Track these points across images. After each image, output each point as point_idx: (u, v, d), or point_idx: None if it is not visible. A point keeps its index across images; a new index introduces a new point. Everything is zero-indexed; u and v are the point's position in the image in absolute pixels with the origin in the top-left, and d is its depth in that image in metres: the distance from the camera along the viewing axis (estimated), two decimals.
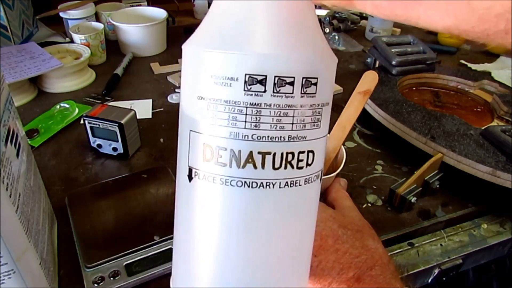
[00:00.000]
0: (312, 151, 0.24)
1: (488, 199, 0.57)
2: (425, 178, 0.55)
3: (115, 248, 0.45)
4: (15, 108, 0.39)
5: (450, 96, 0.80)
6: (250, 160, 0.22)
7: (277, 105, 0.22)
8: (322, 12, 1.20)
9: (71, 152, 0.64)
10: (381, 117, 0.66)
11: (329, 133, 0.51)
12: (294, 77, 0.21)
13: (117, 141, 0.60)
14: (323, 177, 0.47)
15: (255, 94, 0.21)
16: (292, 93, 0.22)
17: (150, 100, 0.78)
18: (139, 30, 0.93)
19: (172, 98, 0.79)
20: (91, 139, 0.61)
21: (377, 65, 0.86)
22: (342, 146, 0.50)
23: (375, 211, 0.54)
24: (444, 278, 0.52)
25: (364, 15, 1.23)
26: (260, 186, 0.23)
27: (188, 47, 0.23)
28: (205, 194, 0.23)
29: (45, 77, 0.80)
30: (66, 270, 0.45)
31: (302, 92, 0.22)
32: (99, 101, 0.77)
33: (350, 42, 1.07)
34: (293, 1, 0.22)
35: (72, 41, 0.91)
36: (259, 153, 0.22)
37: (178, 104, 0.82)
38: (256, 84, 0.21)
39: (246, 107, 0.21)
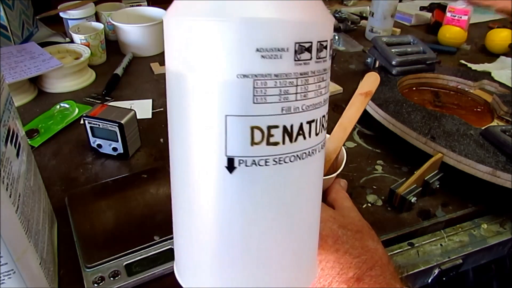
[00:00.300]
0: (325, 115, 0.24)
1: (488, 199, 0.57)
2: (425, 178, 0.55)
3: (115, 248, 0.45)
4: (15, 108, 0.39)
5: (450, 96, 0.80)
6: (300, 132, 0.22)
7: (318, 71, 0.22)
8: None
9: (71, 152, 0.64)
10: (381, 117, 0.66)
11: (329, 133, 0.51)
12: (327, 40, 0.22)
13: (117, 141, 0.60)
14: (323, 177, 0.47)
15: (303, 63, 0.21)
16: (326, 56, 0.22)
17: (150, 100, 0.78)
18: (139, 30, 0.93)
19: None
20: (91, 139, 0.61)
21: (377, 65, 0.86)
22: (342, 147, 0.50)
23: (375, 211, 0.54)
24: (444, 278, 0.52)
25: (364, 15, 1.23)
26: (308, 155, 0.23)
27: (208, 21, 0.20)
28: (257, 180, 0.22)
29: (45, 77, 0.80)
30: (66, 270, 0.45)
31: (330, 54, 0.23)
32: (99, 101, 0.77)
33: (350, 42, 1.07)
34: None
35: (72, 41, 0.91)
36: (307, 122, 0.22)
37: None
38: (304, 52, 0.20)
39: (297, 78, 0.21)
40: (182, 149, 0.23)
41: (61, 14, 0.96)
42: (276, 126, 0.21)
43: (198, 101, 0.21)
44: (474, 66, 0.95)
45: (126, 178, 0.57)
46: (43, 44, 0.86)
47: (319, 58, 0.21)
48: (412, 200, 0.53)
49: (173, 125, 0.24)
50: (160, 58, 0.96)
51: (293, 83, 0.21)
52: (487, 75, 0.84)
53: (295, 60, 0.20)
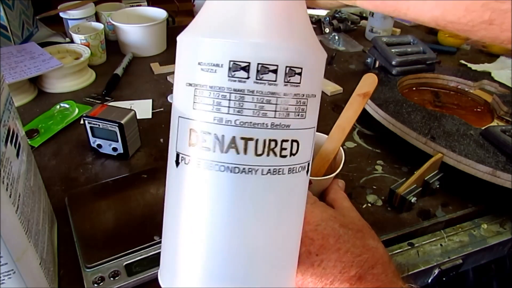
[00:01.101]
0: (296, 141, 0.24)
1: (488, 199, 0.57)
2: (425, 178, 0.55)
3: (115, 248, 0.45)
4: (15, 108, 0.39)
5: (450, 96, 0.80)
6: (233, 145, 0.23)
7: (260, 92, 0.22)
8: (322, 12, 1.21)
9: (71, 152, 0.64)
10: (381, 117, 0.66)
11: (328, 134, 0.51)
12: (277, 65, 0.22)
13: (117, 141, 0.60)
14: (321, 178, 0.48)
15: (238, 80, 0.22)
16: (275, 80, 0.22)
17: (150, 100, 0.78)
18: (139, 30, 0.93)
19: (172, 98, 0.79)
20: (91, 139, 0.61)
21: (377, 65, 0.86)
22: (341, 148, 0.50)
23: (375, 211, 0.54)
24: (444, 278, 0.52)
25: (364, 15, 1.23)
26: (242, 171, 0.23)
27: (181, 37, 0.25)
28: (191, 179, 0.24)
29: (45, 77, 0.80)
30: (66, 270, 0.45)
31: (286, 80, 0.23)
32: (99, 101, 0.77)
33: (350, 42, 1.07)
34: None
35: (72, 41, 0.91)
36: (241, 138, 0.23)
37: None
38: (239, 70, 0.22)
39: (230, 93, 0.22)
40: (170, 141, 0.26)
41: (61, 14, 0.96)
42: (208, 133, 0.23)
43: (173, 103, 0.26)
44: (474, 66, 0.95)
45: (126, 178, 0.57)
46: (43, 44, 0.86)
47: (261, 79, 0.22)
48: (412, 200, 0.53)
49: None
50: (160, 58, 0.96)
51: (226, 97, 0.22)
52: (487, 75, 0.84)
53: (229, 76, 0.22)
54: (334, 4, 0.22)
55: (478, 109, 0.76)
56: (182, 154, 0.24)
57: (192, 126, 0.23)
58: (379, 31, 1.08)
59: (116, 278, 0.43)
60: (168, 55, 0.98)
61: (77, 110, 0.72)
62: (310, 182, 0.47)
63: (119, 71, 0.86)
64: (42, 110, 0.73)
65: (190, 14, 1.22)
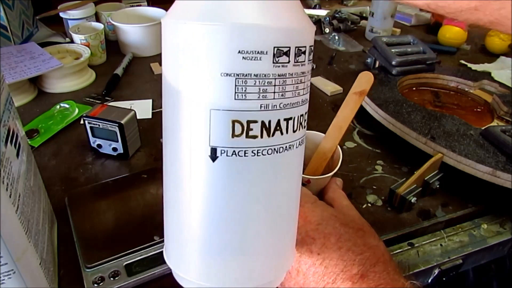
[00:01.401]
0: (307, 113, 0.26)
1: (488, 199, 0.57)
2: (425, 178, 0.55)
3: (115, 248, 0.45)
4: (15, 108, 0.39)
5: (450, 96, 0.80)
6: (278, 128, 0.24)
7: (296, 73, 0.24)
8: (322, 12, 1.21)
9: (71, 152, 0.64)
10: (381, 117, 0.66)
11: (325, 133, 0.51)
12: (305, 46, 0.24)
13: (117, 141, 0.60)
14: (319, 176, 0.48)
15: (281, 65, 0.23)
16: (304, 61, 0.24)
17: (150, 100, 0.78)
18: (139, 30, 0.93)
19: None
20: (91, 139, 0.61)
21: (377, 65, 0.86)
22: (338, 146, 0.50)
23: (375, 211, 0.54)
24: (444, 278, 0.52)
25: (364, 15, 1.23)
26: (285, 149, 0.25)
27: (197, 24, 0.22)
28: (237, 169, 0.24)
29: (45, 77, 0.80)
30: (66, 270, 0.45)
31: (308, 59, 0.24)
32: (99, 101, 0.77)
33: (350, 42, 1.07)
34: None
35: (72, 41, 0.91)
36: (284, 119, 0.24)
37: None
38: (282, 56, 0.23)
39: (275, 79, 0.23)
40: (173, 141, 0.25)
41: (61, 14, 0.96)
42: (255, 121, 0.23)
43: (187, 96, 0.23)
44: (474, 66, 0.95)
45: (126, 178, 0.57)
46: (43, 44, 0.86)
47: (297, 62, 0.24)
48: (412, 200, 0.53)
49: (166, 119, 0.26)
50: (160, 58, 0.96)
51: (271, 83, 0.23)
52: (487, 75, 0.84)
53: (274, 63, 0.22)
54: None
55: (478, 109, 0.76)
56: (222, 147, 0.23)
57: (236, 117, 0.23)
58: (379, 31, 1.08)
59: (116, 278, 0.43)
60: None
61: (77, 110, 0.72)
62: (308, 180, 0.47)
63: (119, 71, 0.86)
64: (42, 110, 0.73)
65: None
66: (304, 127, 0.26)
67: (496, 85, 0.79)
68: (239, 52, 0.22)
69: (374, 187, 0.58)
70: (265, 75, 0.22)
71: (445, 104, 0.77)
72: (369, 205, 0.55)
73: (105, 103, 0.65)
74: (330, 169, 0.49)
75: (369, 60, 0.90)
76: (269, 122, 0.23)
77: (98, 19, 1.02)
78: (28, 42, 0.89)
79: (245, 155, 0.24)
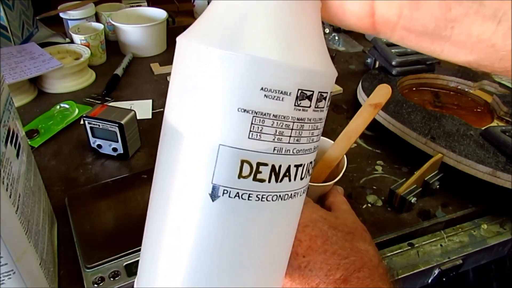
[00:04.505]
0: (315, 160, 0.25)
1: (488, 200, 0.57)
2: (425, 179, 0.55)
3: (115, 249, 0.45)
4: (15, 109, 0.39)
5: (450, 96, 0.80)
6: (287, 174, 0.22)
7: (314, 119, 0.22)
8: None
9: (71, 153, 0.64)
10: (381, 118, 0.66)
11: (327, 136, 0.50)
12: (327, 92, 0.23)
13: (117, 142, 0.60)
14: (321, 184, 0.47)
15: (302, 109, 0.21)
16: (323, 107, 0.23)
17: (150, 101, 0.78)
18: (139, 30, 0.93)
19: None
20: (91, 139, 0.61)
21: (377, 65, 0.86)
22: (344, 156, 0.50)
23: (375, 212, 0.54)
24: (444, 279, 0.52)
25: None
26: (290, 197, 0.23)
27: (224, 52, 0.20)
28: (236, 212, 0.22)
29: (45, 77, 0.80)
30: (66, 271, 0.45)
31: (327, 105, 0.23)
32: (99, 102, 0.77)
33: (350, 43, 1.07)
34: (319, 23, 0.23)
35: (72, 42, 0.91)
36: (295, 166, 0.22)
37: None
38: (305, 99, 0.21)
39: (293, 122, 0.21)
40: (171, 166, 0.23)
41: (61, 15, 0.96)
42: (266, 164, 0.21)
43: (196, 126, 0.21)
44: None
45: (126, 179, 0.57)
46: (43, 45, 0.86)
47: (317, 107, 0.22)
48: (412, 201, 0.53)
49: (165, 143, 0.24)
50: (160, 58, 0.96)
51: (289, 126, 0.21)
52: (487, 75, 0.84)
53: (295, 105, 0.21)
54: (360, 29, 0.23)
55: (478, 110, 0.76)
56: (226, 187, 0.21)
57: (246, 157, 0.21)
58: None
59: (116, 278, 0.43)
60: (168, 56, 0.98)
61: (77, 111, 0.72)
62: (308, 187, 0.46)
63: (119, 71, 0.86)
64: (42, 110, 0.73)
65: (190, 14, 1.22)
66: (310, 175, 0.25)
67: (496, 85, 0.79)
68: (261, 89, 0.20)
69: (374, 187, 0.58)
70: (284, 117, 0.21)
71: (445, 104, 0.77)
72: (369, 205, 0.55)
73: (105, 104, 0.65)
74: (333, 176, 0.49)
75: (369, 60, 0.91)
76: (280, 166, 0.22)
77: (98, 20, 1.02)
78: (28, 43, 0.89)
79: (248, 199, 0.22)
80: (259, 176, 0.21)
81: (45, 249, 0.40)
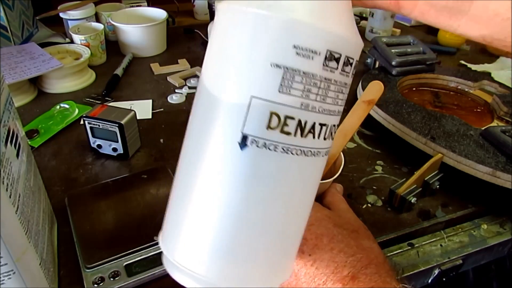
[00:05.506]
0: (338, 125, 0.27)
1: (488, 200, 0.57)
2: (425, 179, 0.55)
3: (115, 249, 0.45)
4: (15, 109, 0.39)
5: (450, 96, 0.80)
6: (312, 131, 0.24)
7: (341, 82, 0.24)
8: None
9: (71, 153, 0.64)
10: (381, 118, 0.66)
11: None
12: (353, 59, 0.24)
13: (117, 142, 0.60)
14: (320, 181, 0.48)
15: (330, 70, 0.23)
16: (349, 72, 0.24)
17: (150, 101, 0.78)
18: (139, 30, 0.93)
19: (172, 99, 0.79)
20: (91, 139, 0.61)
21: (377, 65, 0.86)
22: (341, 153, 0.50)
23: (375, 212, 0.54)
24: (444, 279, 0.52)
25: (364, 15, 1.23)
26: (312, 154, 0.25)
27: (263, 11, 0.22)
28: (263, 163, 0.23)
29: (45, 77, 0.80)
30: (66, 271, 0.45)
31: (353, 72, 0.25)
32: (99, 102, 0.77)
33: None
34: None
35: (72, 42, 0.91)
36: (320, 124, 0.24)
37: (178, 105, 0.82)
38: (333, 60, 0.23)
39: (321, 81, 0.23)
40: (203, 121, 0.25)
41: (61, 15, 0.96)
42: (292, 118, 0.23)
43: (231, 78, 0.23)
44: (474, 67, 0.95)
45: (126, 179, 0.57)
46: (43, 45, 0.86)
47: (344, 71, 0.24)
48: (412, 201, 0.53)
49: (201, 96, 0.25)
50: (160, 58, 0.96)
51: (317, 85, 0.23)
52: (487, 75, 0.84)
53: (324, 65, 0.23)
54: (382, 6, 0.24)
55: (478, 110, 0.76)
56: (254, 136, 0.23)
57: (275, 109, 0.22)
58: (379, 31, 1.08)
59: (116, 278, 0.43)
60: (168, 56, 0.98)
61: (77, 111, 0.72)
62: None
63: (119, 71, 0.86)
64: (42, 110, 0.73)
65: (190, 14, 1.23)
66: (332, 138, 0.26)
67: (496, 85, 0.79)
68: (294, 46, 0.22)
69: (374, 187, 0.58)
70: (312, 75, 0.22)
71: (445, 104, 0.77)
72: (369, 205, 0.55)
73: (105, 104, 0.65)
74: (332, 175, 0.49)
75: (369, 60, 0.91)
76: (305, 122, 0.23)
77: (98, 20, 1.02)
78: (28, 43, 0.89)
79: (275, 150, 0.23)
80: (285, 128, 0.23)
81: (45, 249, 0.40)
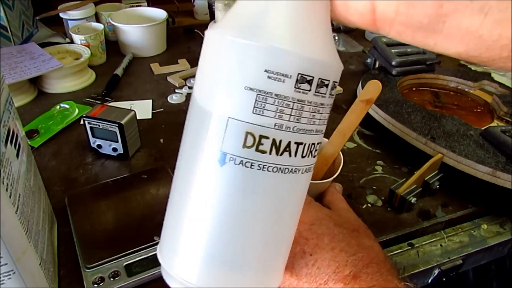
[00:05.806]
0: (320, 143, 0.27)
1: (488, 200, 0.57)
2: (425, 179, 0.55)
3: (115, 249, 0.45)
4: (15, 109, 0.39)
5: (450, 96, 0.80)
6: (287, 149, 0.25)
7: (315, 103, 0.25)
8: None
9: (71, 153, 0.64)
10: (381, 118, 0.66)
11: (326, 136, 0.51)
12: (329, 80, 0.25)
13: (117, 142, 0.60)
14: (319, 181, 0.48)
15: (302, 91, 0.24)
16: (325, 93, 0.25)
17: (150, 101, 0.78)
18: (139, 30, 0.93)
19: (172, 99, 0.79)
20: (91, 139, 0.61)
21: (377, 65, 0.86)
22: (340, 152, 0.50)
23: (375, 212, 0.54)
24: (444, 279, 0.52)
25: None
26: (290, 171, 0.26)
27: (235, 39, 0.24)
28: (241, 179, 0.25)
29: (45, 77, 0.80)
30: (66, 271, 0.45)
31: (330, 93, 0.26)
32: (99, 102, 0.77)
33: (350, 43, 1.07)
34: (327, 16, 0.25)
35: (72, 42, 0.91)
36: (295, 143, 0.25)
37: (178, 105, 0.82)
38: (305, 83, 0.24)
39: (293, 102, 0.24)
40: (190, 141, 0.27)
41: (61, 15, 0.96)
42: (267, 137, 0.24)
43: (212, 102, 0.25)
44: (474, 67, 0.95)
45: (126, 179, 0.57)
46: (43, 45, 0.86)
47: (318, 92, 0.25)
48: (412, 201, 0.53)
49: (190, 120, 0.27)
50: (160, 58, 0.96)
51: (289, 106, 0.24)
52: (487, 75, 0.84)
53: (295, 87, 0.24)
54: (361, 26, 0.25)
55: (478, 110, 0.76)
56: (232, 154, 0.24)
57: (250, 129, 0.24)
58: None
59: (116, 278, 0.43)
60: (168, 56, 0.98)
61: (77, 111, 0.72)
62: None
63: (119, 71, 0.86)
64: (42, 110, 0.73)
65: (190, 14, 1.23)
66: (314, 156, 0.27)
67: (496, 85, 0.79)
68: (265, 70, 0.23)
69: (374, 187, 0.58)
70: (284, 97, 0.24)
71: (445, 104, 0.77)
72: (369, 205, 0.55)
73: (105, 104, 0.65)
74: (331, 174, 0.49)
75: (369, 60, 0.91)
76: (280, 141, 0.24)
77: (98, 20, 1.02)
78: (28, 43, 0.89)
79: (251, 167, 0.25)
80: (261, 147, 0.24)
81: (45, 249, 0.40)
